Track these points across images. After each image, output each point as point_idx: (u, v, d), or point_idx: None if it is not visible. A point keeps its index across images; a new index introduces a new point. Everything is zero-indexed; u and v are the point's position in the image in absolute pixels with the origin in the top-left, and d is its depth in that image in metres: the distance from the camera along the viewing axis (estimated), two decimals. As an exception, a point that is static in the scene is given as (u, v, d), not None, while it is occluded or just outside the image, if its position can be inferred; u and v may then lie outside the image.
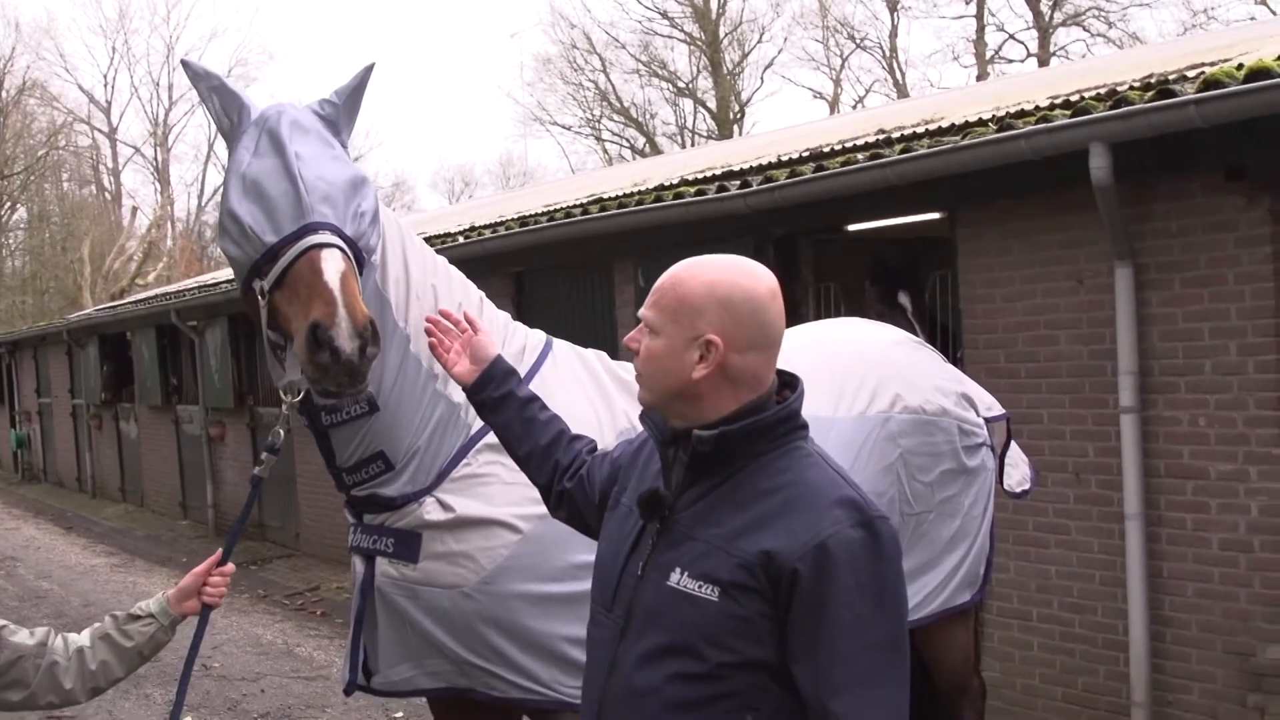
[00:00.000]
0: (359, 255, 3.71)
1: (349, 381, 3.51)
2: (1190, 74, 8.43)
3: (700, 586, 2.58)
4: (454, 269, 4.39)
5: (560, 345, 4.53)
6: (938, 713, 5.38)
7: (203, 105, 3.98)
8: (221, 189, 3.92)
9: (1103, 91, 8.69)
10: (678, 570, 2.62)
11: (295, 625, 12.00)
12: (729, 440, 2.65)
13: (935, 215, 8.18)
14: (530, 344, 4.43)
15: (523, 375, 4.19)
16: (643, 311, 2.78)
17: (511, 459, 3.40)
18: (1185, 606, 6.81)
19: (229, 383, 17.01)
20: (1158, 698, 6.88)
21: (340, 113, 3.99)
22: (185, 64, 4.00)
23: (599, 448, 3.31)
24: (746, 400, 2.68)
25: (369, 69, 4.07)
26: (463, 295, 4.30)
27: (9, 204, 55.30)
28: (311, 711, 8.99)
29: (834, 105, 46.70)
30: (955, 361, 7.95)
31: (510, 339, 4.37)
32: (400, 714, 8.60)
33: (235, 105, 3.90)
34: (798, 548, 2.51)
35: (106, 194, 60.46)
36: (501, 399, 3.35)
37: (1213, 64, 8.53)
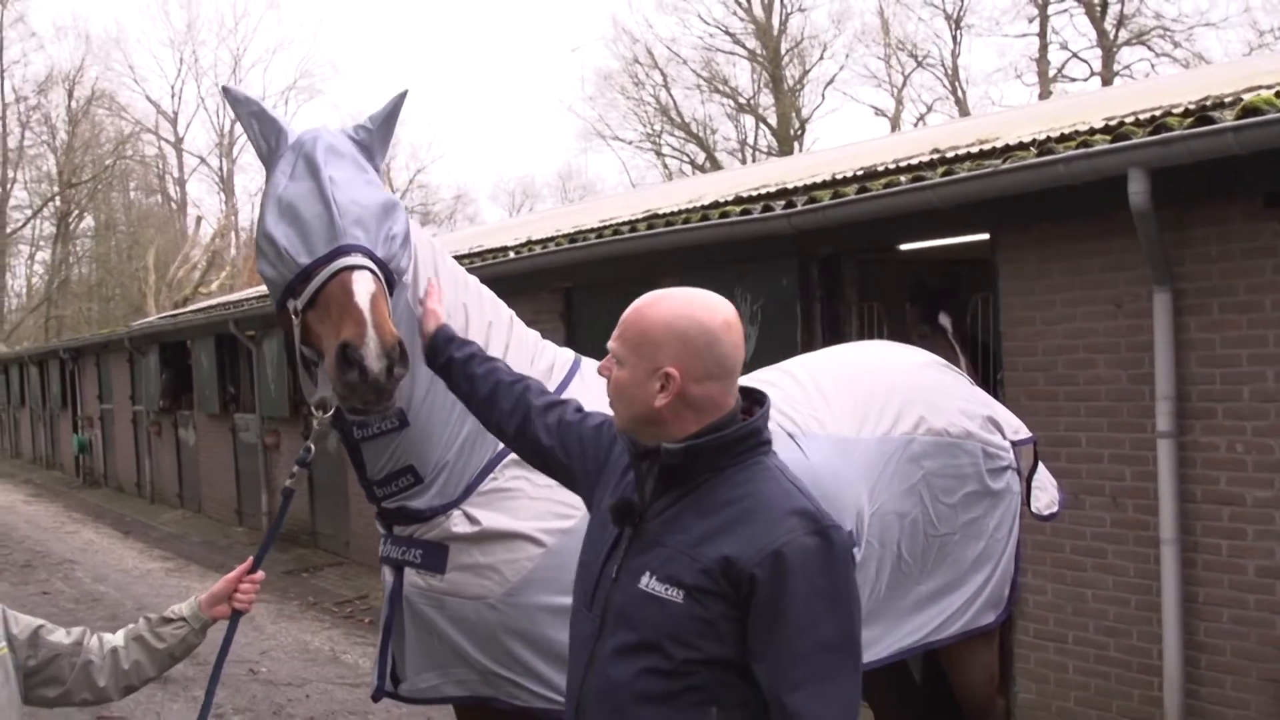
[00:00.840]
0: (390, 277, 3.83)
1: (376, 400, 3.63)
2: (1247, 97, 8.42)
3: (667, 589, 2.82)
4: (485, 288, 4.49)
5: (588, 363, 4.62)
6: (962, 732, 5.42)
7: (243, 130, 4.11)
8: (259, 211, 4.05)
9: (1144, 117, 8.69)
10: (647, 574, 2.86)
11: (343, 633, 12.16)
12: (694, 454, 2.90)
13: (979, 237, 8.21)
14: (559, 362, 4.53)
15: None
16: (610, 343, 3.00)
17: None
18: (1220, 633, 6.80)
19: (284, 392, 17.22)
20: (1192, 723, 6.88)
21: (374, 138, 4.10)
22: (226, 90, 4.14)
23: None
24: (707, 422, 2.93)
25: (402, 95, 4.18)
26: (493, 314, 4.41)
27: (77, 212, 56.32)
28: (354, 718, 9.13)
29: (895, 123, 46.65)
30: (995, 383, 7.99)
31: (539, 357, 4.48)
32: (440, 722, 8.71)
33: (273, 130, 4.03)
34: (755, 554, 2.74)
35: (172, 203, 61.47)
36: (445, 366, 3.77)
37: (1271, 85, 8.52)
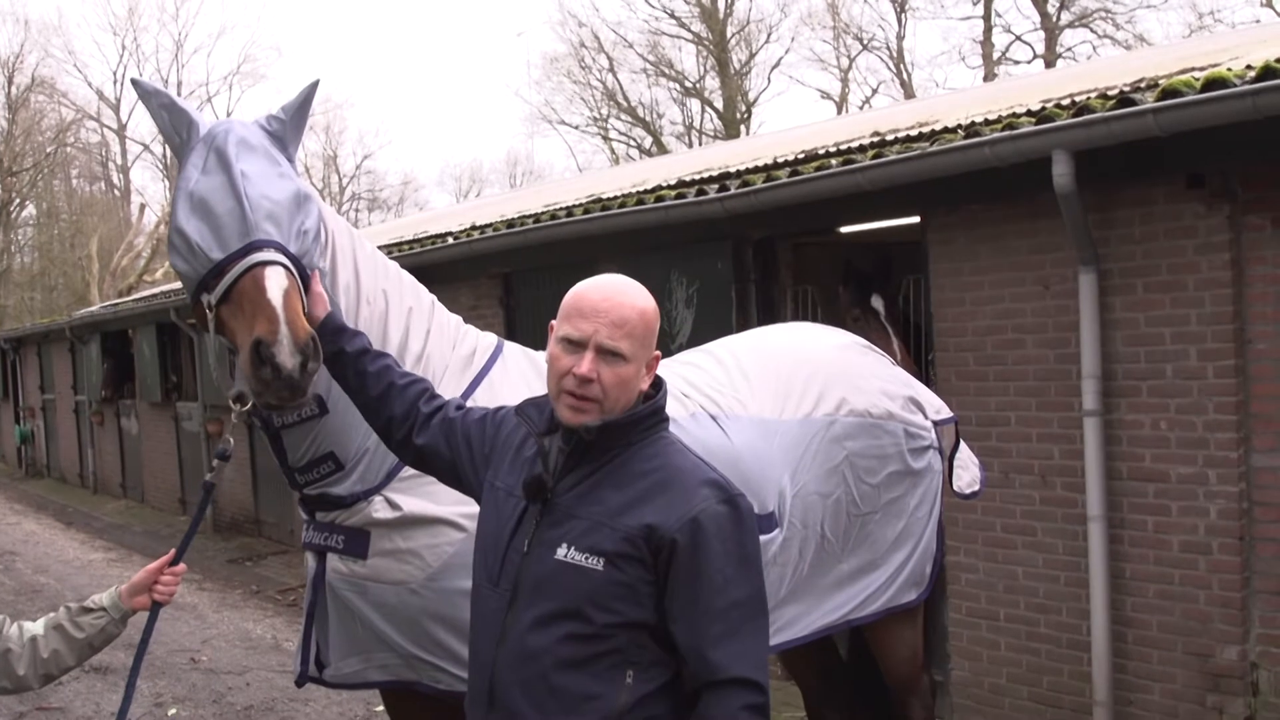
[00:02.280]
0: (303, 272, 3.83)
1: (290, 396, 3.65)
2: (1197, 76, 8.51)
3: (587, 558, 2.96)
4: (405, 273, 4.50)
5: (511, 348, 4.65)
6: (889, 709, 5.49)
7: (154, 122, 4.08)
8: (171, 205, 4.04)
9: (1080, 99, 8.77)
10: (564, 545, 3.00)
11: (285, 620, 12.13)
12: (609, 430, 3.06)
13: (910, 220, 8.27)
14: (481, 347, 4.55)
15: (472, 378, 4.35)
16: (609, 342, 3.03)
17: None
18: (1146, 608, 6.90)
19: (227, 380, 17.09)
20: (1119, 697, 6.98)
21: (287, 129, 4.08)
22: (135, 82, 4.12)
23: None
24: None
25: (314, 85, 4.16)
26: (414, 299, 4.42)
27: (18, 200, 55.54)
28: (295, 705, 9.11)
29: (841, 106, 46.76)
30: (926, 364, 8.07)
31: (461, 342, 4.49)
32: (381, 708, 8.70)
33: (184, 122, 4.01)
34: (675, 521, 2.93)
35: (115, 191, 60.77)
36: (333, 356, 3.74)
37: (1203, 68, 8.61)
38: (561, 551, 2.99)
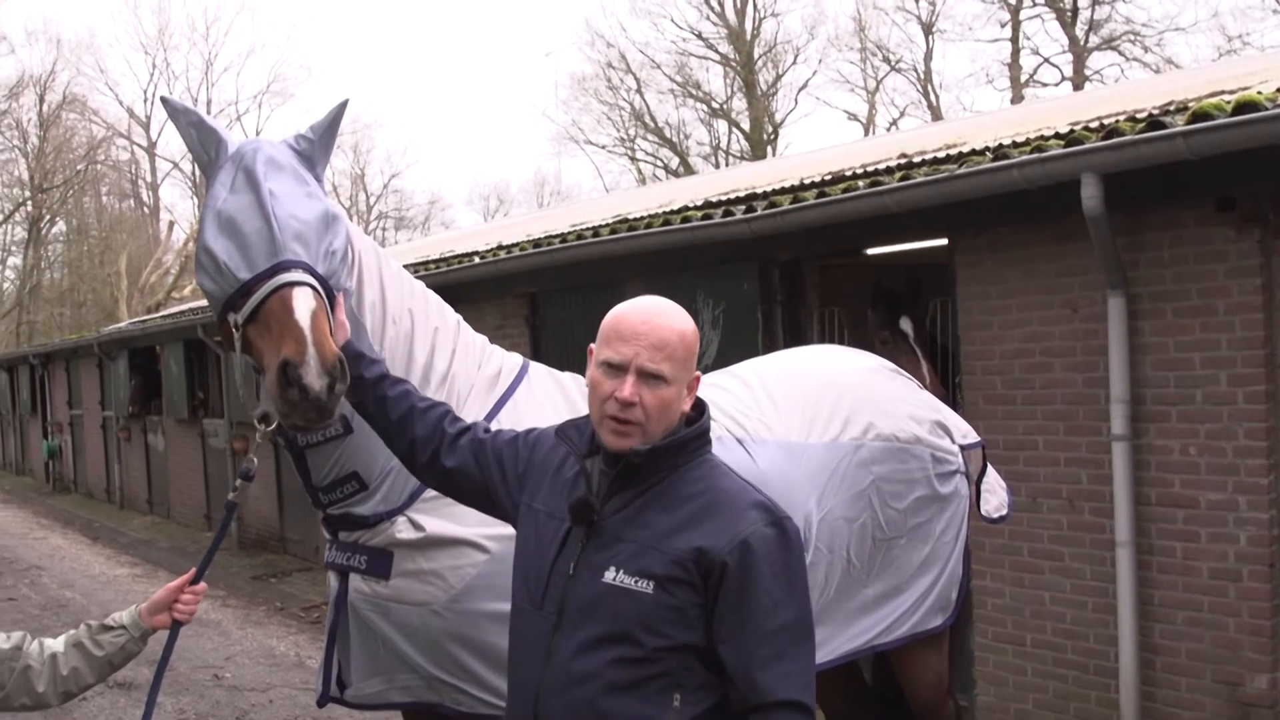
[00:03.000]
0: (330, 293, 3.81)
1: (317, 417, 3.61)
2: (1228, 99, 8.46)
3: (636, 581, 2.96)
4: (431, 293, 4.49)
5: (536, 369, 4.63)
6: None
7: (183, 140, 4.08)
8: (199, 224, 4.02)
9: (1108, 122, 8.73)
10: (613, 568, 2.99)
11: (309, 638, 12.12)
12: (656, 455, 3.05)
13: (938, 242, 8.24)
14: (506, 368, 4.53)
15: (497, 399, 4.35)
16: (650, 364, 3.02)
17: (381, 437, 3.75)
18: (1175, 635, 6.84)
19: (252, 399, 17.14)
20: (1147, 725, 6.92)
21: (315, 148, 4.06)
22: (164, 100, 4.10)
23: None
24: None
25: (343, 105, 4.14)
26: (439, 319, 4.41)
27: (48, 217, 55.98)
28: (316, 724, 9.10)
29: (868, 127, 46.69)
30: (953, 387, 8.02)
31: (486, 362, 4.49)
32: (402, 728, 8.68)
33: (213, 140, 3.98)
34: (725, 543, 2.94)
35: (144, 208, 61.10)
36: (352, 382, 3.68)
37: (1233, 91, 8.56)
38: (610, 575, 2.99)
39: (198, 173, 57.70)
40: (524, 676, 3.10)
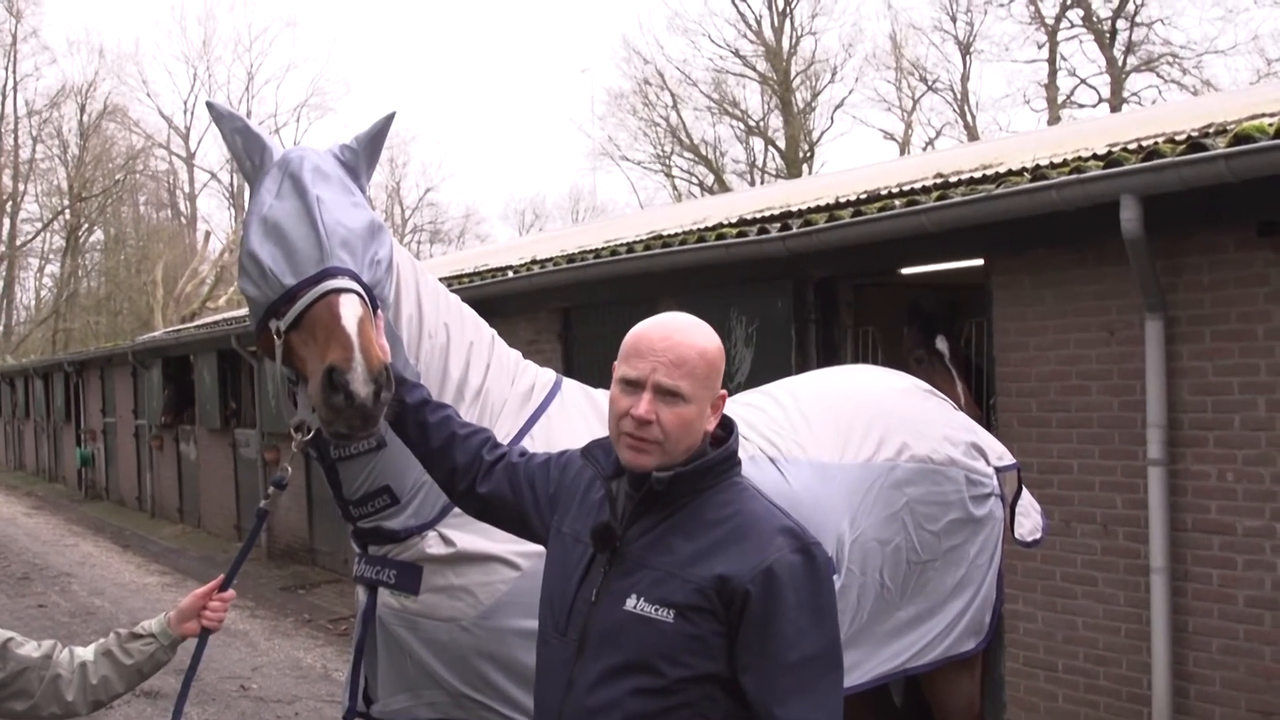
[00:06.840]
0: (374, 302, 3.78)
1: (362, 425, 3.55)
2: (1270, 122, 8.39)
3: (657, 610, 2.86)
4: (466, 307, 4.47)
5: (569, 385, 4.61)
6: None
7: (226, 146, 4.07)
8: (242, 229, 4.00)
9: (1146, 143, 8.67)
10: (634, 596, 2.90)
11: (336, 650, 12.12)
12: (681, 480, 2.95)
13: (974, 262, 8.19)
14: (539, 383, 4.51)
15: (530, 415, 4.32)
16: (667, 381, 2.93)
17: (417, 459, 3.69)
18: (1209, 663, 6.76)
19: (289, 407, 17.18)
20: (1181, 754, 6.83)
21: (360, 158, 4.05)
22: (210, 105, 4.08)
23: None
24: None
25: (390, 117, 4.12)
26: (475, 333, 4.39)
27: (86, 225, 56.45)
28: (343, 736, 9.07)
29: (904, 147, 46.63)
30: (988, 409, 7.96)
31: (520, 377, 4.46)
32: (429, 742, 8.66)
33: (258, 147, 3.97)
34: (748, 571, 2.82)
35: (182, 218, 61.62)
36: (394, 406, 3.61)
37: (1273, 114, 8.49)
38: (631, 603, 2.89)
39: (235, 183, 58.35)
40: (547, 704, 3.05)
